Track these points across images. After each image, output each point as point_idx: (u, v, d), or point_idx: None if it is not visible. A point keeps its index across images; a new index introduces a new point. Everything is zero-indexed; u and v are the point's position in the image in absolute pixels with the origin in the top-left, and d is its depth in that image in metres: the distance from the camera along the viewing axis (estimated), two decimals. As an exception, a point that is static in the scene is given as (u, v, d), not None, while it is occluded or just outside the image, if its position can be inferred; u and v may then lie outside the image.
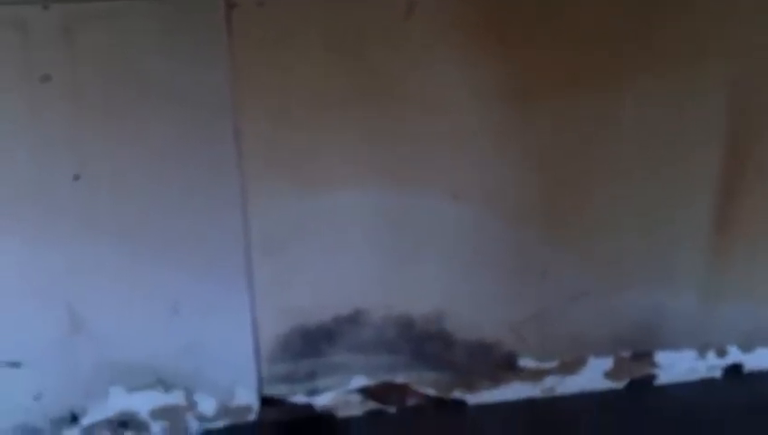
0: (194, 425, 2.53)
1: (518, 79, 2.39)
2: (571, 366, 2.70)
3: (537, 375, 2.69)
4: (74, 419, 2.45)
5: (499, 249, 2.55)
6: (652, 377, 2.76)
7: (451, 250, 2.52)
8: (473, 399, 2.67)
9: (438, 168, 2.44)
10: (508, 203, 2.50)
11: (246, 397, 2.54)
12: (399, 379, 2.62)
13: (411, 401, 2.65)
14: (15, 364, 2.38)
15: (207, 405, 2.52)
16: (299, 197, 2.40)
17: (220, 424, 2.54)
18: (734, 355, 2.78)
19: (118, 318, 2.39)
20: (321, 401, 2.59)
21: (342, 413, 2.61)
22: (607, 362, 2.72)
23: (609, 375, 2.73)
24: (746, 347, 2.78)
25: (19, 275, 2.31)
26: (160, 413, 2.50)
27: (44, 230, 2.29)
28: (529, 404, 2.67)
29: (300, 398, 2.58)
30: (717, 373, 2.79)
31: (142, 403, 2.48)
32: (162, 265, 2.37)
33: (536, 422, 2.62)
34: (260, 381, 2.54)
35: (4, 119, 2.19)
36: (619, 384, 2.74)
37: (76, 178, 2.26)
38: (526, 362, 2.67)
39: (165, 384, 2.48)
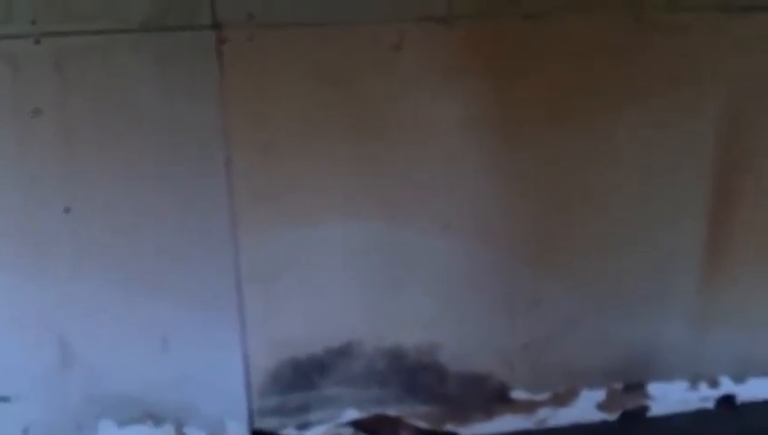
0: (184, 459, 2.52)
1: (509, 108, 2.42)
2: (563, 398, 2.69)
3: (529, 407, 2.67)
4: (63, 453, 2.43)
5: (490, 279, 2.56)
6: (645, 408, 2.75)
7: (442, 280, 2.53)
8: (465, 431, 2.65)
9: (429, 198, 2.45)
10: (499, 232, 2.51)
11: (237, 430, 2.52)
12: (391, 411, 2.61)
13: None
14: (4, 399, 2.37)
15: (197, 439, 2.51)
16: (289, 228, 2.40)
17: (210, 458, 2.53)
18: (727, 386, 2.78)
19: (108, 351, 2.39)
20: (312, 434, 2.57)
21: (334, 447, 2.61)
22: (599, 394, 2.71)
23: (601, 407, 2.72)
24: (739, 378, 2.77)
25: (8, 308, 2.31)
26: (150, 447, 2.49)
27: (35, 263, 2.29)
28: (521, 436, 2.66)
29: (291, 431, 2.56)
30: (710, 404, 2.78)
31: (132, 437, 2.47)
32: (153, 298, 2.37)
33: (529, 455, 2.62)
34: (251, 414, 2.52)
35: (-5, 153, 2.21)
36: (611, 416, 2.73)
37: (67, 211, 2.27)
38: (518, 394, 2.66)
39: (155, 418, 2.46)
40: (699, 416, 2.75)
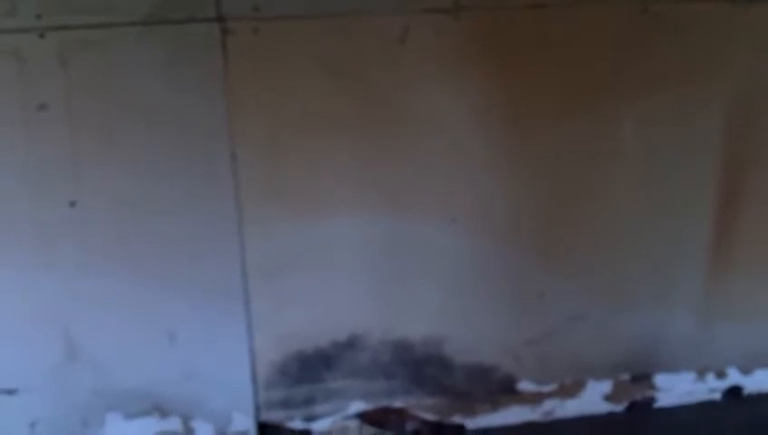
0: (191, 452, 2.52)
1: (515, 101, 2.41)
2: (570, 389, 2.69)
3: (536, 399, 2.67)
4: (71, 446, 2.44)
5: (497, 272, 2.55)
6: (652, 400, 2.74)
7: (448, 274, 2.52)
8: (472, 423, 2.65)
9: (435, 192, 2.44)
10: (506, 226, 2.51)
11: (243, 423, 2.52)
12: (397, 403, 2.61)
13: (410, 426, 2.63)
14: (12, 392, 2.37)
15: (204, 432, 2.50)
16: (295, 222, 2.40)
17: (217, 451, 2.54)
18: (734, 377, 2.77)
19: (115, 345, 2.39)
20: (319, 426, 2.58)
21: (340, 439, 2.61)
22: (606, 386, 2.71)
23: (608, 398, 2.71)
24: (746, 369, 2.77)
25: (15, 302, 2.31)
26: (158, 440, 2.50)
27: (40, 257, 2.29)
28: (528, 428, 2.66)
29: (297, 424, 2.57)
30: (717, 396, 2.78)
31: (139, 430, 2.46)
32: (159, 292, 2.37)
33: (536, 446, 2.62)
34: (257, 407, 2.53)
35: (1, 147, 2.20)
36: (618, 407, 2.73)
37: (72, 204, 2.27)
38: (525, 386, 2.66)
39: (162, 411, 2.47)
40: (706, 407, 2.74)
